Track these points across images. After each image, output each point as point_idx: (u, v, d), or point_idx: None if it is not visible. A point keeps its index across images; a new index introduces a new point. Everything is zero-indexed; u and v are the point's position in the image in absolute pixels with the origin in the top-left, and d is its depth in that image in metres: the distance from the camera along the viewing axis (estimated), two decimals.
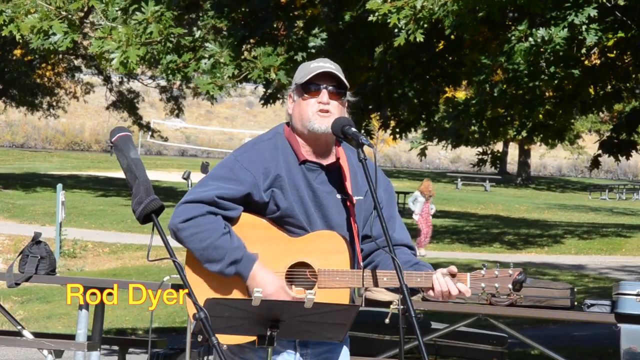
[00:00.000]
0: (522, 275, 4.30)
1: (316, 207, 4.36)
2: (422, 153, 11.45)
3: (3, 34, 9.96)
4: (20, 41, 10.18)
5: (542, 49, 9.20)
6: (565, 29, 9.09)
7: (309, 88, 4.35)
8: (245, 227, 4.32)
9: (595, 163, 12.03)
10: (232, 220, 4.32)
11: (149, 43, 9.59)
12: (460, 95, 11.98)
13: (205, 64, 9.70)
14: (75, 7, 9.84)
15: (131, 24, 9.62)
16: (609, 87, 11.65)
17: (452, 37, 9.97)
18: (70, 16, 9.94)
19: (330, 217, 4.37)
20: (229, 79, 9.59)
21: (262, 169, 4.33)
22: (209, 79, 9.57)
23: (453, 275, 4.30)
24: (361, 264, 4.38)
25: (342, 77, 4.37)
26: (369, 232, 4.37)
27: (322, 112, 4.34)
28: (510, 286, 4.30)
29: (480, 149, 11.63)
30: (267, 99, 10.33)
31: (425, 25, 8.63)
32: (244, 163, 4.34)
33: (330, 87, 4.35)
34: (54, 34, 9.81)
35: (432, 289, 4.29)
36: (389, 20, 8.63)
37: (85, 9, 10.02)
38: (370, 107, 11.47)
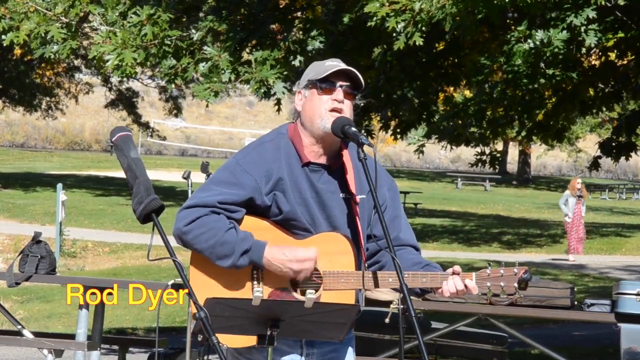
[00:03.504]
0: (528, 274, 4.30)
1: (320, 208, 4.35)
2: (420, 150, 11.44)
3: (4, 44, 9.97)
4: (17, 47, 10.18)
5: (541, 52, 9.20)
6: (565, 31, 9.09)
7: (323, 85, 4.36)
8: (249, 229, 4.30)
9: (595, 164, 12.03)
10: (236, 222, 4.33)
11: (145, 47, 9.59)
12: (457, 95, 11.95)
13: (203, 67, 9.69)
14: (74, 13, 9.84)
15: (127, 27, 9.62)
16: (609, 87, 11.65)
17: (453, 35, 9.96)
18: (70, 22, 9.94)
19: (334, 217, 4.36)
20: (225, 84, 9.58)
21: (264, 172, 4.32)
22: (206, 84, 9.56)
23: (457, 275, 4.30)
24: (366, 264, 4.38)
25: (359, 76, 4.38)
26: (373, 231, 4.38)
27: (334, 112, 4.34)
28: (515, 285, 4.30)
29: (478, 149, 11.62)
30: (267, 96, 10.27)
31: (424, 29, 8.62)
32: (246, 166, 4.33)
33: (344, 86, 4.37)
34: (52, 40, 9.81)
35: (441, 288, 4.28)
36: (387, 24, 8.63)
37: (85, 11, 10.02)
38: (371, 107, 11.47)
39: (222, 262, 4.26)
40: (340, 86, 4.36)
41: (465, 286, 4.28)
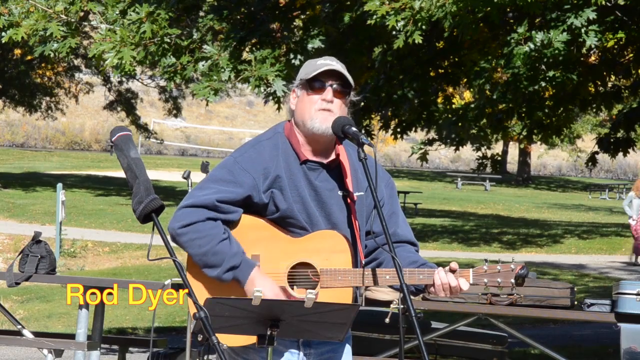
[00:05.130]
0: (525, 270, 4.31)
1: (318, 206, 4.36)
2: (423, 158, 11.45)
3: (3, 41, 9.96)
4: (15, 46, 10.20)
5: (542, 54, 9.19)
6: (565, 32, 9.08)
7: (313, 85, 4.36)
8: (246, 228, 4.31)
9: (592, 160, 12.02)
10: (233, 223, 4.32)
11: (144, 45, 9.58)
12: (456, 100, 11.95)
13: (203, 65, 9.68)
14: (74, 10, 9.83)
15: (126, 24, 9.62)
16: (609, 85, 11.64)
17: (453, 34, 9.95)
18: (70, 19, 9.93)
19: (332, 215, 4.37)
20: (225, 83, 9.57)
21: (261, 170, 4.32)
22: (205, 83, 9.55)
23: (453, 271, 4.31)
24: (363, 262, 4.38)
25: (348, 76, 4.37)
26: (372, 228, 4.38)
27: (323, 111, 4.34)
28: (512, 280, 4.32)
29: (480, 153, 11.62)
30: (269, 97, 10.28)
31: (424, 27, 8.62)
32: (243, 164, 4.34)
33: (335, 85, 4.36)
34: (52, 38, 9.80)
35: (433, 284, 4.30)
36: (387, 23, 8.62)
37: (85, 10, 10.02)
38: (371, 107, 11.46)
39: (209, 271, 4.26)
40: (330, 85, 4.36)
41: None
